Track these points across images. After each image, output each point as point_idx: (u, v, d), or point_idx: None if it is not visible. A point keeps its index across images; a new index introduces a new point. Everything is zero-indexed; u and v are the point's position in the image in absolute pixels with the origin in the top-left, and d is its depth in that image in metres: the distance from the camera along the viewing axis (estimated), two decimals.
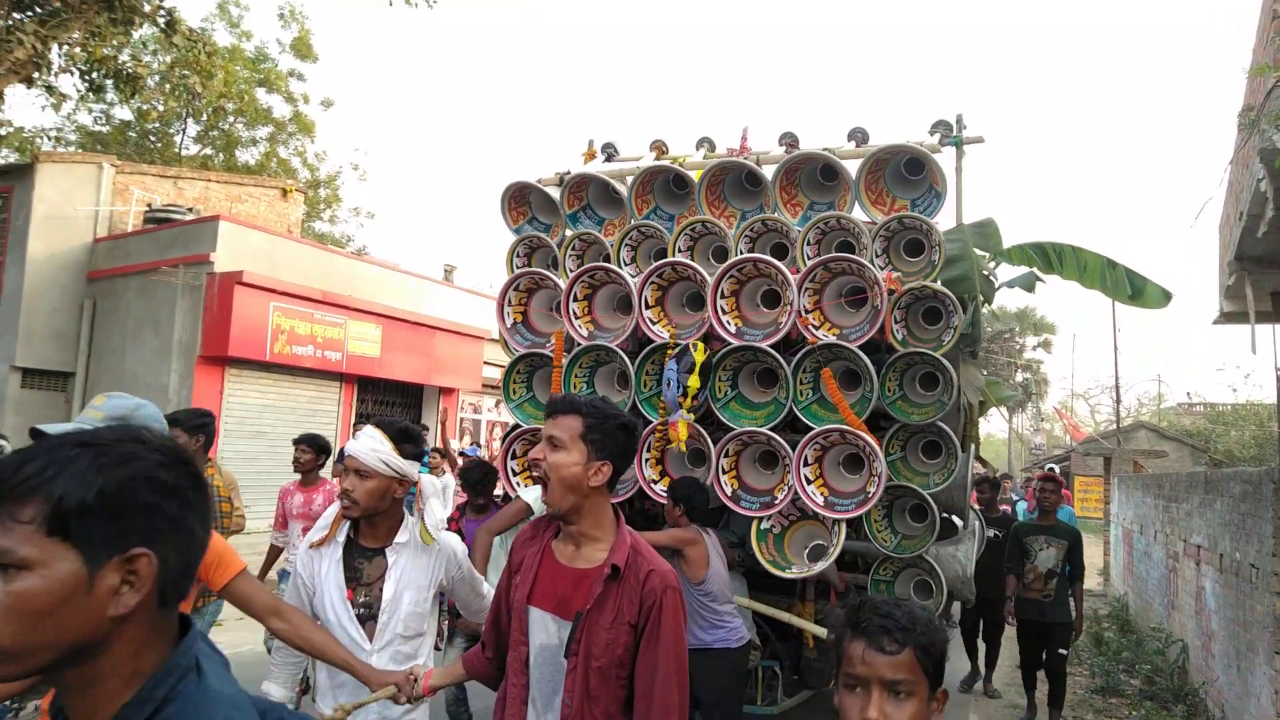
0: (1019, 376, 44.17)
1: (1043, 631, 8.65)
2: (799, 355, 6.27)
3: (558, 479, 2.99)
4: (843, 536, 6.14)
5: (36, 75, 15.54)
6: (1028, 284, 7.58)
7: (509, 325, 7.13)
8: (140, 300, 17.69)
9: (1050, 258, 7.24)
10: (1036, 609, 8.66)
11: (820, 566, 6.15)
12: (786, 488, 6.29)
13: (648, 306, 6.68)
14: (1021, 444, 48.95)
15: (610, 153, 7.94)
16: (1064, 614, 8.61)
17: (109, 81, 16.70)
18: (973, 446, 6.87)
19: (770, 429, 6.37)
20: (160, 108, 25.22)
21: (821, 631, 6.59)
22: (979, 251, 6.84)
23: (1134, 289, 7.18)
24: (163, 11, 15.48)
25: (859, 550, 6.87)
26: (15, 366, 18.04)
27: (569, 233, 7.35)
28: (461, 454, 9.94)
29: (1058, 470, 15.38)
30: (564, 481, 2.99)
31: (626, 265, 7.02)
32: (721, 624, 5.87)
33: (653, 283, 6.63)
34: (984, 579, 8.66)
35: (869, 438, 6.00)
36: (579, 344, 6.83)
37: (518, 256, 7.47)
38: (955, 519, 7.32)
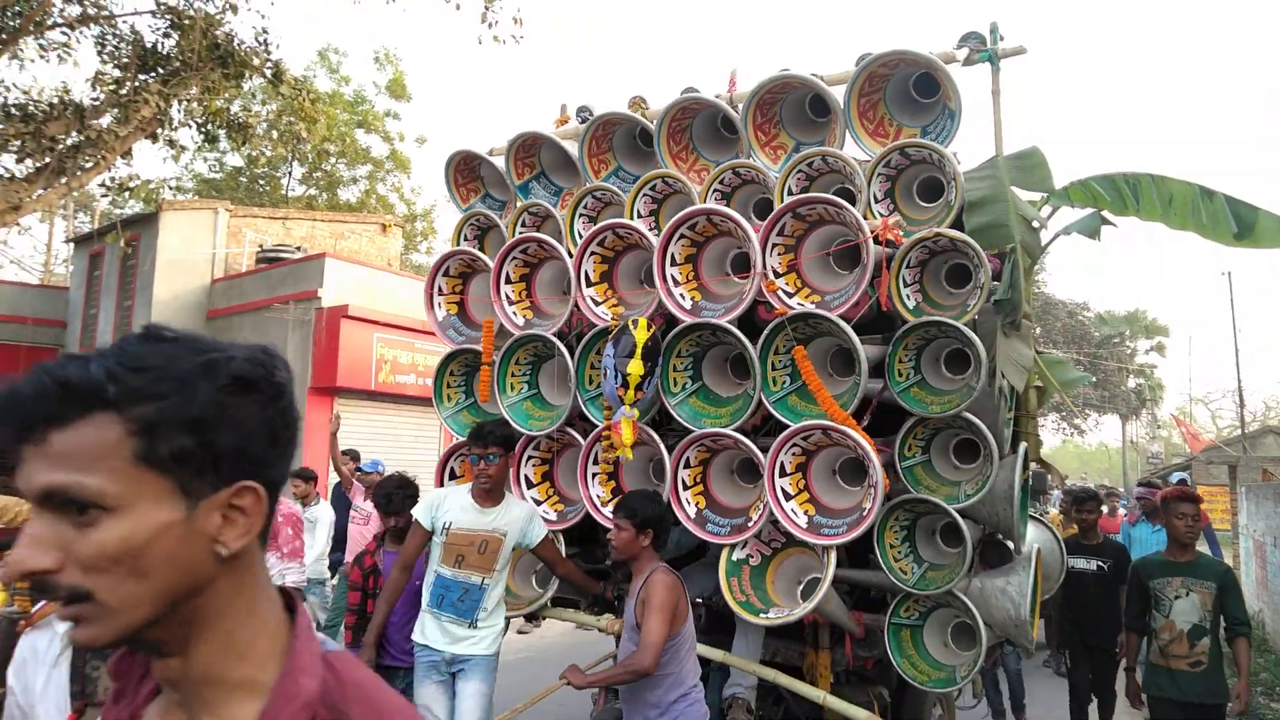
0: (1131, 382, 39.93)
1: (1189, 716, 5.28)
2: (766, 332, 4.19)
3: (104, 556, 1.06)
4: (831, 569, 4.04)
5: (160, 131, 15.63)
6: (1090, 229, 5.29)
7: (440, 318, 5.25)
8: (255, 336, 17.06)
9: (1122, 193, 4.97)
10: (1176, 683, 5.30)
11: (804, 610, 4.08)
12: (762, 505, 4.21)
13: (589, 283, 4.70)
14: (1137, 453, 44.40)
15: (585, 117, 5.98)
16: (1218, 689, 5.24)
17: (222, 131, 16.48)
18: (1023, 446, 4.62)
19: (737, 429, 4.30)
20: (268, 153, 24.84)
21: (817, 694, 4.45)
22: (1020, 192, 4.62)
23: (1240, 224, 4.83)
24: (269, 64, 15.21)
25: (882, 584, 4.70)
26: None
27: (521, 204, 5.42)
28: (359, 470, 8.00)
29: (1188, 481, 12.50)
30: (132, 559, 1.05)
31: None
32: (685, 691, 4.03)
33: (593, 253, 4.68)
34: (1089, 619, 6.78)
35: (858, 436, 3.92)
36: (512, 335, 4.88)
37: (465, 240, 5.58)
38: (1012, 543, 5.04)
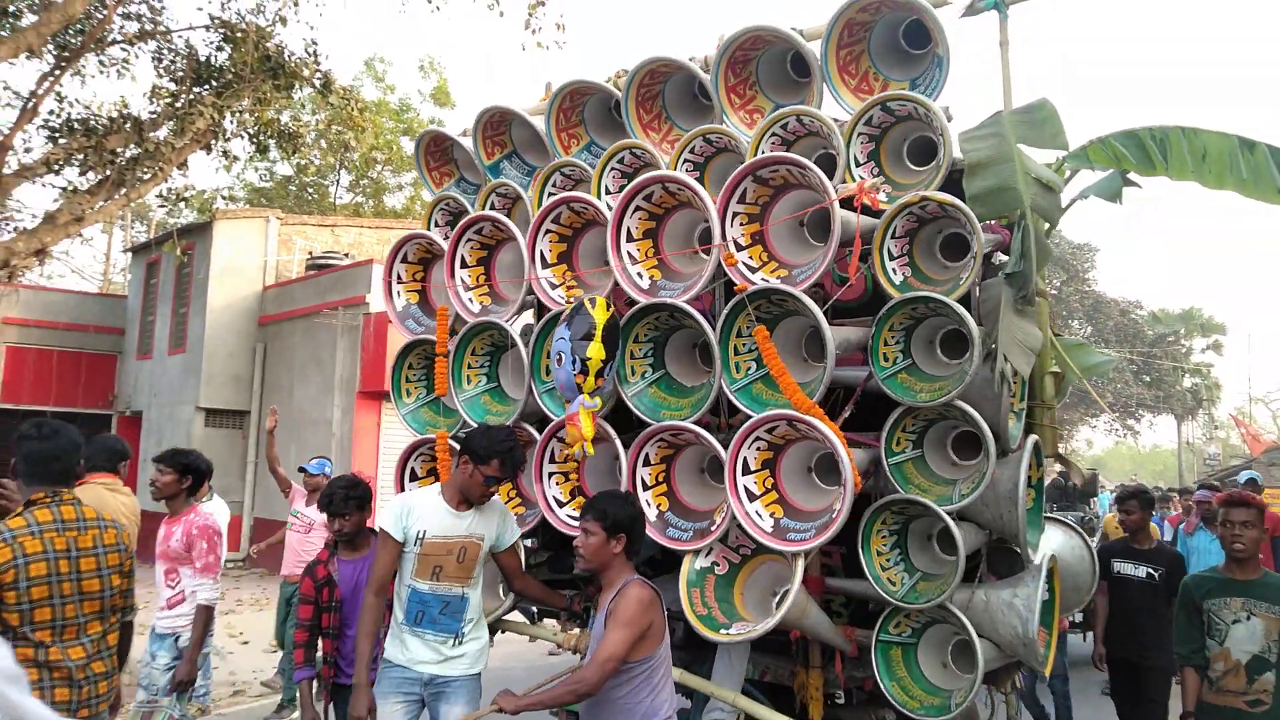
0: (1187, 382, 37.91)
1: None
2: (726, 312, 3.53)
3: None
4: (799, 578, 3.36)
5: (214, 142, 15.57)
6: (1111, 191, 4.50)
7: (399, 308, 4.67)
8: (305, 342, 16.89)
9: (1148, 150, 4.20)
10: None
11: (766, 626, 3.42)
12: (726, 506, 3.56)
13: (545, 264, 4.07)
14: (1194, 455, 42.24)
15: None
16: None
17: (272, 141, 16.36)
18: (1031, 440, 3.89)
19: (700, 421, 3.66)
20: (317, 162, 24.66)
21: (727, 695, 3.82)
22: (1028, 150, 3.90)
23: None
24: (319, 74, 15.14)
25: (870, 595, 4.00)
26: (200, 407, 17.31)
27: (489, 185, 4.82)
28: (303, 470, 7.33)
29: (1258, 481, 11.33)
30: None
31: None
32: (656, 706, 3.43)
33: (548, 232, 4.06)
34: (1134, 632, 5.82)
35: (825, 427, 3.22)
36: (467, 323, 4.29)
37: (436, 227, 4.99)
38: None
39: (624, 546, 3.46)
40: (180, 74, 15.90)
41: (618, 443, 3.95)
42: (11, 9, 14.30)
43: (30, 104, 15.22)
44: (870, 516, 3.87)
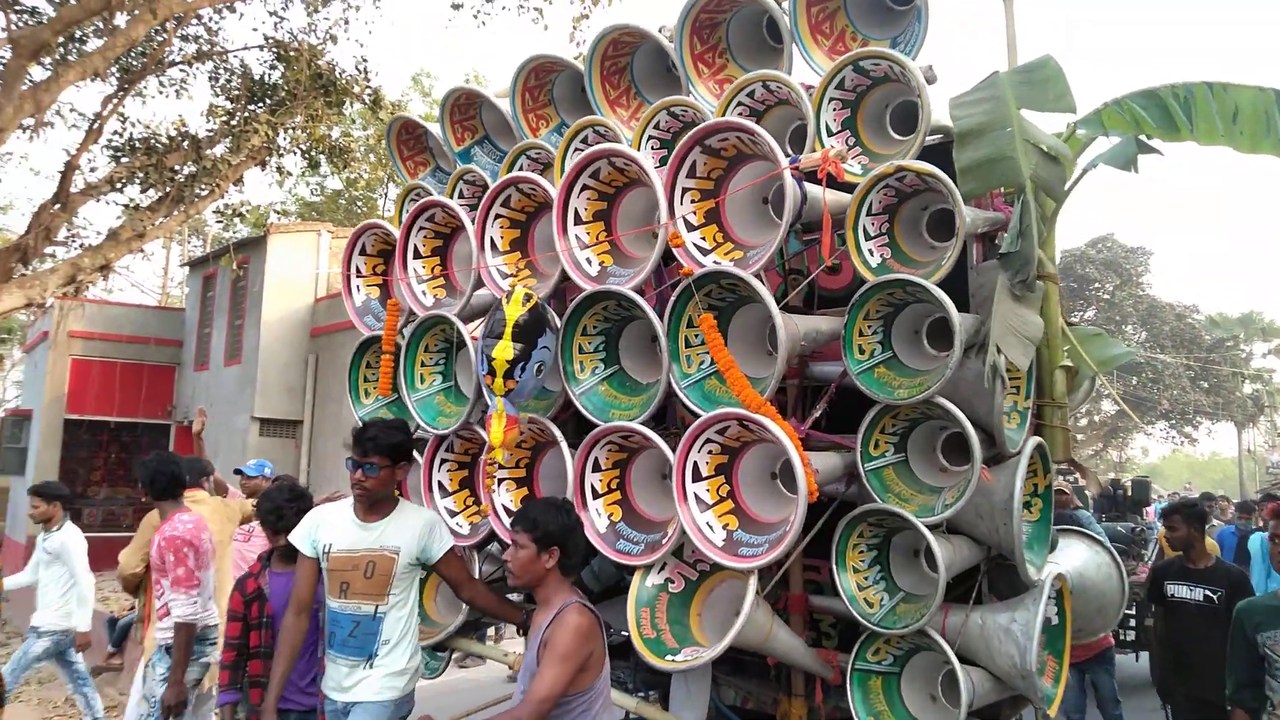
0: (1247, 388, 35.91)
1: None
2: (674, 298, 3.01)
3: None
4: (750, 599, 2.80)
5: (268, 158, 15.69)
6: (1124, 159, 3.84)
7: (358, 304, 4.22)
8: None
9: (1171, 111, 3.58)
10: None
11: (714, 653, 2.88)
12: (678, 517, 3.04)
13: (496, 251, 3.59)
14: (1255, 462, 40.02)
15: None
16: None
17: (323, 156, 16.42)
18: (1030, 443, 3.30)
19: (648, 421, 3.14)
20: (367, 176, 24.51)
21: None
22: (1029, 115, 3.32)
23: None
24: (369, 90, 15.18)
25: (848, 617, 3.44)
26: (255, 417, 17.17)
27: (456, 172, 4.37)
28: (239, 473, 6.83)
29: None
30: None
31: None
32: None
33: (498, 217, 3.57)
34: (1191, 663, 4.95)
35: (776, 427, 2.68)
36: (419, 317, 3.83)
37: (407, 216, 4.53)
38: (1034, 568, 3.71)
39: (558, 561, 2.97)
40: (236, 93, 16.00)
41: (563, 447, 3.44)
42: (78, 34, 14.42)
43: (95, 125, 15.38)
44: (845, 529, 3.31)
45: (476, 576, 3.84)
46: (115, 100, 15.07)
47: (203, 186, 15.73)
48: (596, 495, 3.44)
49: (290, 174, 20.38)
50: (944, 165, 3.21)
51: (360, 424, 3.48)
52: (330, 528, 3.37)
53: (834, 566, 3.32)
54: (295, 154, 16.40)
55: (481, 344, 3.25)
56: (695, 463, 3.13)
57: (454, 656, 4.45)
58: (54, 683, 9.03)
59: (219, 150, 15.67)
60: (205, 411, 6.70)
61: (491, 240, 3.76)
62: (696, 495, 3.12)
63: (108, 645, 9.36)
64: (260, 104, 15.08)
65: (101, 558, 15.39)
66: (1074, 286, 34.09)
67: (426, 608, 4.08)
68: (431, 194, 4.56)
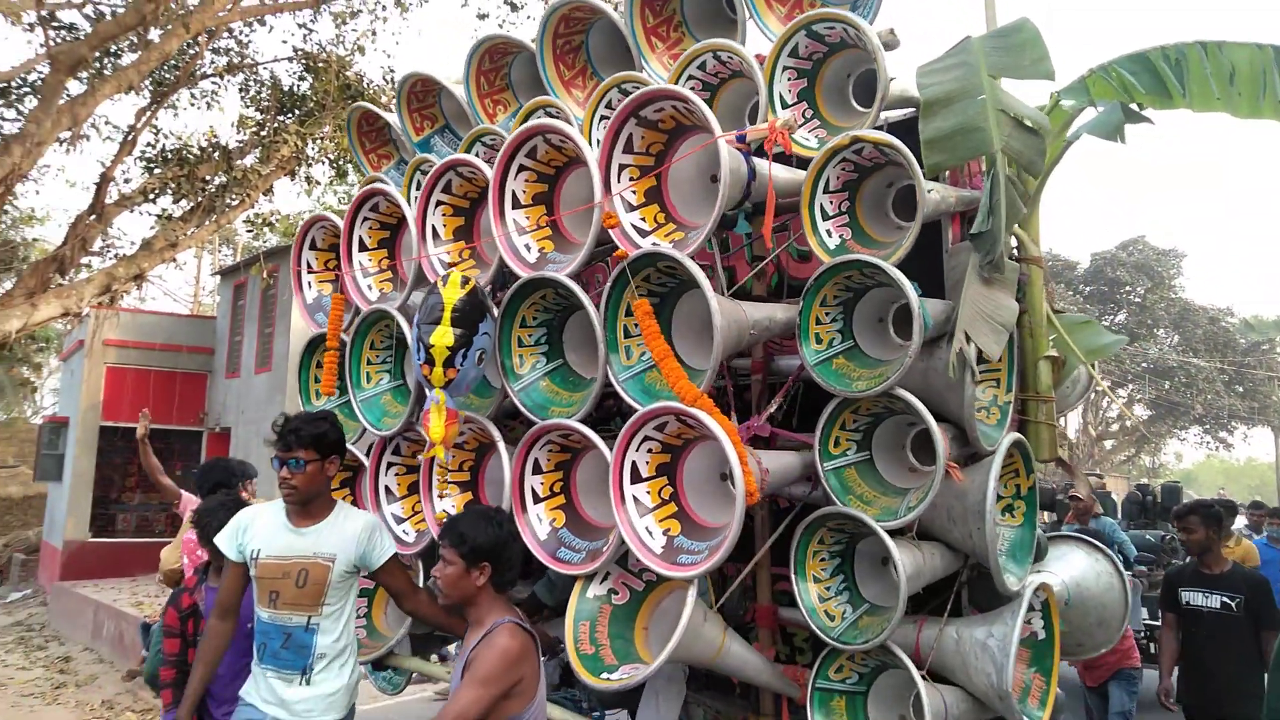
0: None
1: None
2: (609, 284, 2.69)
3: None
4: (689, 611, 2.46)
5: (297, 168, 15.81)
6: (1109, 128, 3.43)
7: (309, 300, 3.95)
8: None
9: (1163, 76, 3.20)
10: None
11: (650, 670, 2.55)
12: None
13: (439, 239, 3.29)
14: None
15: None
16: None
17: (351, 166, 16.10)
18: (1007, 440, 2.93)
19: (586, 418, 2.83)
20: None
21: None
22: (1008, 83, 2.96)
23: None
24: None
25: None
26: None
27: (412, 162, 4.08)
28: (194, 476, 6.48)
29: None
30: None
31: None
32: None
33: (439, 204, 3.28)
34: (1206, 675, 4.60)
35: (712, 422, 2.35)
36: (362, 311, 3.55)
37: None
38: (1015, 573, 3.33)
39: (489, 578, 2.65)
40: (265, 104, 16.04)
41: (501, 448, 3.13)
42: (114, 49, 14.46)
43: (129, 137, 15.42)
44: (803, 536, 2.96)
45: (422, 587, 3.52)
46: (148, 113, 15.14)
47: (233, 196, 15.79)
48: (538, 499, 3.13)
49: (319, 183, 20.40)
50: (915, 140, 2.86)
51: (281, 418, 3.17)
52: (259, 531, 3.09)
53: (792, 576, 2.97)
54: (323, 163, 16.35)
55: (418, 331, 2.95)
56: (634, 463, 2.80)
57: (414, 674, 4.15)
58: (91, 685, 8.93)
59: (249, 160, 15.72)
60: (148, 414, 6.35)
61: (434, 229, 3.46)
62: (635, 498, 2.80)
63: (142, 650, 9.22)
64: (289, 115, 15.13)
65: (135, 563, 15.42)
66: (1105, 290, 33.17)
67: (375, 620, 3.79)
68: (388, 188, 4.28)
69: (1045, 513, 14.84)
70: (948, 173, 3.30)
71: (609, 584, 3.02)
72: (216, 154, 15.26)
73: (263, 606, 3.05)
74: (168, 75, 14.93)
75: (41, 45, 13.53)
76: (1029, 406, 3.38)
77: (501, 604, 2.74)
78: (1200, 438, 34.82)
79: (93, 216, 15.30)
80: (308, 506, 3.13)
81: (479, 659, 2.57)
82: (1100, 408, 34.12)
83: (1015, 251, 3.41)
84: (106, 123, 18.10)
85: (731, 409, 3.16)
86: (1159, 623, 8.14)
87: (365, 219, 3.75)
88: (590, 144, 3.20)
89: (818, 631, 2.91)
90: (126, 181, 15.81)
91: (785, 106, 3.08)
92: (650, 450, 2.82)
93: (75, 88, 13.18)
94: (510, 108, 4.07)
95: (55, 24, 14.05)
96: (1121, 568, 4.12)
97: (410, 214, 3.47)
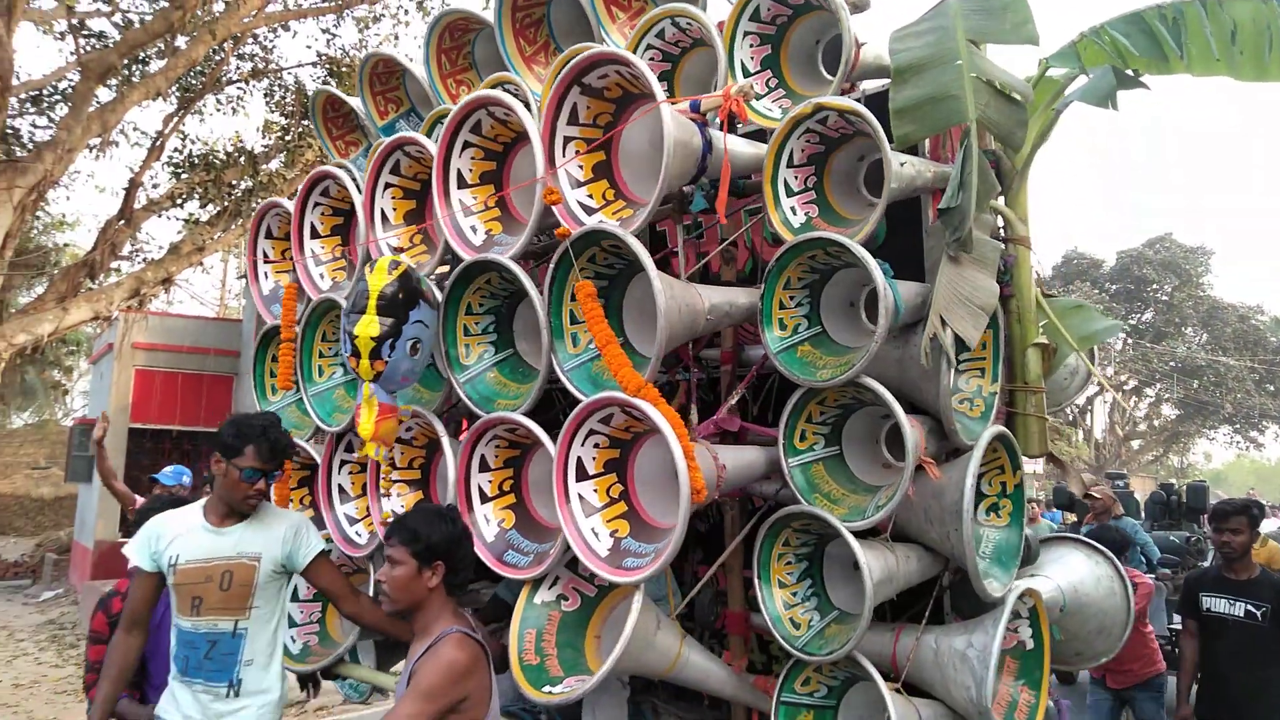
0: None
1: None
2: (553, 265, 2.43)
3: None
4: (633, 618, 2.19)
5: None
6: (1100, 94, 3.13)
7: (265, 291, 3.74)
8: None
9: (1159, 37, 2.92)
10: None
11: (589, 685, 2.32)
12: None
13: (388, 224, 3.06)
14: None
15: None
16: None
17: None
18: (988, 434, 2.64)
19: (527, 410, 2.57)
20: None
21: None
22: (991, 50, 2.67)
23: None
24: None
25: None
26: None
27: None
28: (155, 480, 6.22)
29: None
30: None
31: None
32: None
33: (389, 186, 3.04)
34: (1229, 688, 4.25)
35: (656, 413, 2.07)
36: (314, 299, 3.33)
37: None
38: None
39: (443, 579, 2.42)
40: (290, 109, 15.94)
41: (444, 443, 2.88)
42: (142, 57, 14.47)
43: (157, 143, 15.42)
44: (766, 537, 2.69)
45: (370, 591, 3.28)
46: (176, 119, 15.17)
47: (259, 200, 15.70)
48: (486, 499, 2.89)
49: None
50: (869, 100, 2.59)
51: (252, 426, 2.91)
52: (175, 537, 2.86)
53: (755, 580, 2.70)
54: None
55: (344, 321, 2.71)
56: (579, 459, 2.54)
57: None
58: None
59: (274, 165, 15.65)
60: (108, 418, 6.15)
61: (383, 212, 3.23)
62: (581, 496, 2.54)
63: None
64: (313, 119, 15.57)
65: None
66: (1131, 288, 32.41)
67: (328, 625, 3.55)
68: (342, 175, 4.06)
69: (1066, 513, 14.41)
70: (927, 146, 3.02)
71: (558, 589, 2.77)
72: (242, 159, 15.27)
73: (184, 616, 2.82)
74: (194, 81, 14.96)
75: (72, 53, 13.59)
76: (1017, 398, 3.09)
77: (451, 610, 2.51)
78: (1230, 437, 33.89)
79: (122, 221, 15.32)
80: (232, 507, 2.89)
81: (422, 671, 2.34)
82: (1125, 407, 33.32)
83: (1002, 231, 3.11)
84: (135, 129, 18.22)
85: (693, 401, 2.90)
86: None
87: (317, 204, 3.54)
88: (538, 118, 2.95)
89: (780, 641, 2.64)
90: (155, 187, 15.87)
91: (747, 74, 2.81)
92: (597, 445, 2.57)
93: (104, 95, 13.21)
94: (474, 87, 3.83)
95: (85, 32, 14.11)
96: (1123, 571, 3.78)
97: (357, 198, 3.24)
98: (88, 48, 13.55)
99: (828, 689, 2.78)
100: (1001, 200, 3.13)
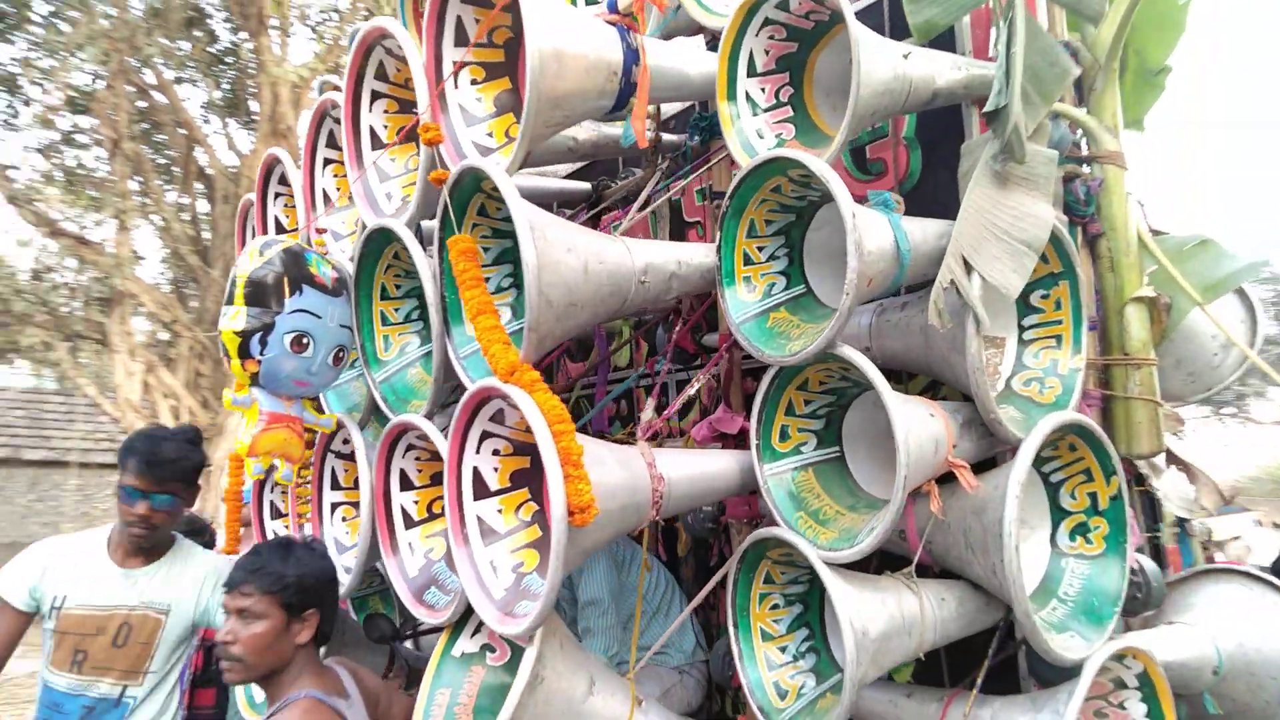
0: None
1: None
2: (439, 223, 1.91)
3: None
4: (524, 678, 1.61)
5: None
6: None
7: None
8: None
9: None
10: None
11: None
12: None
13: (330, 203, 2.68)
14: None
15: None
16: None
17: None
18: (1047, 425, 1.86)
19: (428, 411, 2.05)
20: None
21: None
22: None
23: None
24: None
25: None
26: None
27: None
28: None
29: None
30: None
31: None
32: None
33: (330, 162, 2.65)
34: None
35: (528, 401, 1.49)
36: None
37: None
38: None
39: (315, 629, 1.92)
40: None
41: (359, 456, 2.37)
42: None
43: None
44: (741, 573, 2.02)
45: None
46: None
47: None
48: (411, 524, 2.35)
49: None
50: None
51: (139, 436, 2.51)
52: (67, 572, 2.43)
53: (730, 630, 2.02)
54: None
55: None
56: (476, 470, 1.96)
57: None
58: None
59: None
60: None
61: (324, 193, 2.79)
62: (480, 518, 1.96)
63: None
64: None
65: None
66: None
67: None
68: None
69: None
70: (970, 41, 2.26)
71: (482, 637, 2.17)
72: None
73: (59, 669, 2.37)
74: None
75: None
76: (1113, 374, 2.23)
77: (315, 665, 2.00)
78: None
79: None
80: (147, 546, 2.47)
81: None
82: None
83: (1083, 147, 2.29)
84: None
85: (652, 395, 2.26)
86: None
87: (278, 194, 3.15)
88: None
89: (757, 714, 1.94)
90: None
91: None
92: (497, 452, 1.98)
93: None
94: None
95: None
96: None
97: (297, 179, 2.82)
98: None
99: None
100: (1084, 110, 2.32)
